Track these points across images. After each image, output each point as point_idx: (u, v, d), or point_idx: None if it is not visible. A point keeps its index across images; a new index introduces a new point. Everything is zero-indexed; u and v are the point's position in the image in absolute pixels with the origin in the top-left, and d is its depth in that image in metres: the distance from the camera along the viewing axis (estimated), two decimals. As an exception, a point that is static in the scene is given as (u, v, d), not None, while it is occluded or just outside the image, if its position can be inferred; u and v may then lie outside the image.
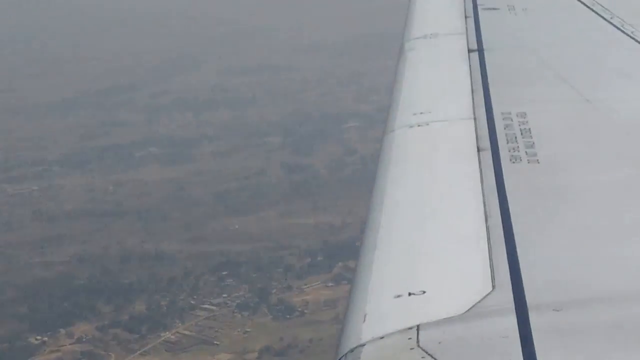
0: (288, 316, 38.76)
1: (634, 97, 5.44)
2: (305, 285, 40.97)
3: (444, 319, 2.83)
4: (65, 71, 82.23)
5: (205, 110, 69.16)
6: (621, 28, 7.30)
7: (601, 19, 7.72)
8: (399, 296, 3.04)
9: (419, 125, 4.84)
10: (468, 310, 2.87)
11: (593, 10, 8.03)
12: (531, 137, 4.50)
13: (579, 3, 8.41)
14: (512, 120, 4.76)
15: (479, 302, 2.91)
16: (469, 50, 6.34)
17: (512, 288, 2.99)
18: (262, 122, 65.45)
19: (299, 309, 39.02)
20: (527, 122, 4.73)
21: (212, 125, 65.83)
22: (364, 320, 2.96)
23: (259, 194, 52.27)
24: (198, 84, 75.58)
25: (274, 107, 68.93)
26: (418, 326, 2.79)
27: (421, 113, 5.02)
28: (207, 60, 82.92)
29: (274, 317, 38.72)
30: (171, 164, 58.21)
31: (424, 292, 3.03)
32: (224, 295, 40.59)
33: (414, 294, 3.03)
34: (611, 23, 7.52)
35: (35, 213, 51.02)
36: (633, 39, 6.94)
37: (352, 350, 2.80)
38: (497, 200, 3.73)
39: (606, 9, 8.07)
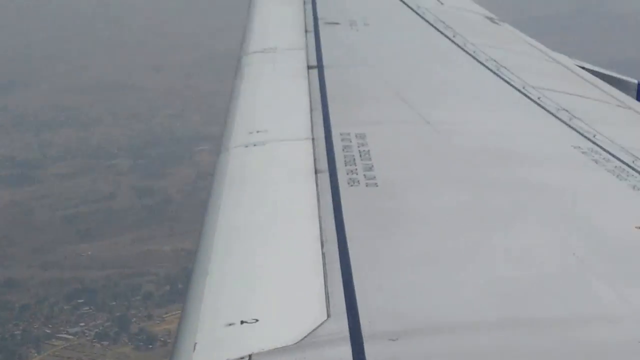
0: (150, 346, 37.96)
1: (474, 119, 5.46)
2: (166, 313, 40.01)
3: (277, 348, 2.76)
4: None
5: (46, 130, 67.18)
6: (463, 47, 7.39)
7: (443, 37, 7.80)
8: (231, 324, 2.94)
9: (255, 145, 4.72)
10: (302, 339, 2.80)
11: (436, 28, 8.13)
12: (370, 159, 4.43)
13: (422, 20, 8.49)
14: (351, 141, 4.68)
15: (313, 330, 2.84)
16: (309, 67, 6.26)
17: (348, 316, 2.92)
18: (108, 143, 64.11)
19: (161, 339, 38.07)
20: (366, 143, 4.66)
21: (54, 146, 64.14)
22: (194, 349, 2.86)
23: (111, 219, 51.21)
24: (36, 102, 73.52)
25: (120, 128, 67.79)
26: (250, 356, 2.73)
27: (257, 132, 4.90)
28: (44, 78, 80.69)
29: (136, 346, 37.90)
30: (14, 186, 56.25)
31: (257, 320, 2.94)
32: (81, 324, 39.38)
33: (246, 322, 2.94)
34: (453, 41, 7.61)
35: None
36: (475, 58, 7.02)
37: None
38: (333, 225, 3.62)
39: (449, 26, 8.16)
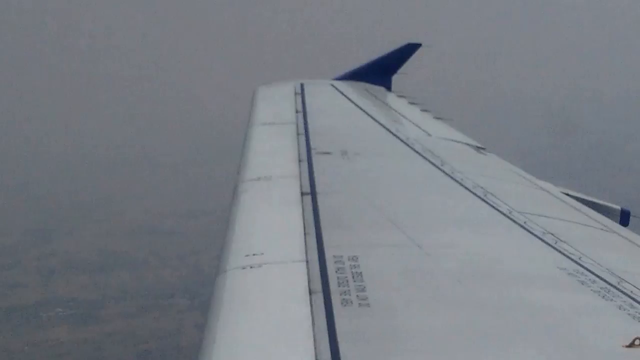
0: None
1: (463, 243, 5.56)
2: None
3: None
4: None
5: (99, 273, 67.08)
6: (451, 175, 7.54)
7: (432, 165, 7.96)
8: None
9: (251, 267, 4.80)
10: None
11: (424, 157, 8.28)
12: (362, 280, 4.51)
13: (410, 150, 8.67)
14: (343, 263, 4.77)
15: None
16: (302, 193, 6.38)
17: None
18: (162, 284, 64.40)
19: None
20: (358, 265, 4.75)
21: (111, 287, 64.05)
22: None
23: (180, 354, 51.33)
24: (82, 247, 74.00)
25: (169, 269, 68.05)
26: None
27: (253, 255, 4.98)
28: (83, 225, 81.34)
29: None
30: (82, 325, 56.32)
31: None
32: None
33: None
34: (442, 170, 7.76)
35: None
36: (462, 185, 7.16)
37: None
38: (328, 344, 3.69)
39: (437, 156, 8.34)
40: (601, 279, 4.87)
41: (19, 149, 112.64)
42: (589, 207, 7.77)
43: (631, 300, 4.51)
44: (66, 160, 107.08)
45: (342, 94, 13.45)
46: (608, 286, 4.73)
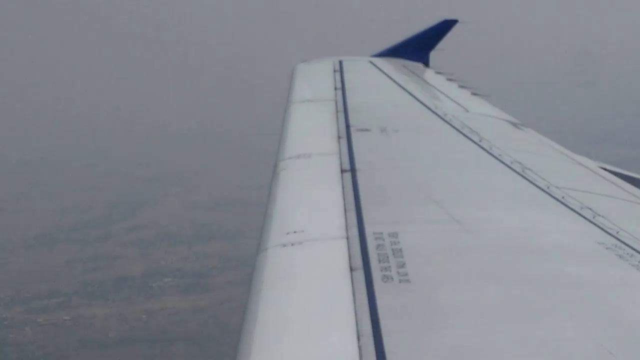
0: None
1: (501, 218, 5.59)
2: None
3: None
4: (21, 210, 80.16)
5: (196, 243, 67.58)
6: (489, 150, 7.54)
7: (470, 141, 7.96)
8: None
9: (292, 245, 4.86)
10: None
11: (462, 133, 8.29)
12: (402, 257, 4.55)
13: (448, 126, 8.67)
14: (383, 240, 4.82)
15: None
16: (342, 171, 6.42)
17: None
18: None
19: None
20: (398, 242, 4.79)
21: (212, 257, 64.59)
22: None
23: None
24: (170, 220, 74.65)
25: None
26: None
27: (294, 232, 5.04)
28: (165, 197, 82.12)
29: None
30: (193, 293, 56.93)
31: None
32: None
33: None
34: (479, 145, 7.76)
35: (82, 341, 49.51)
36: (501, 161, 7.16)
37: None
38: (369, 320, 3.75)
39: (474, 131, 8.34)
40: (639, 252, 4.88)
41: (93, 124, 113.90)
42: (627, 181, 7.75)
43: None
44: (131, 134, 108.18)
45: (381, 70, 13.45)
46: None
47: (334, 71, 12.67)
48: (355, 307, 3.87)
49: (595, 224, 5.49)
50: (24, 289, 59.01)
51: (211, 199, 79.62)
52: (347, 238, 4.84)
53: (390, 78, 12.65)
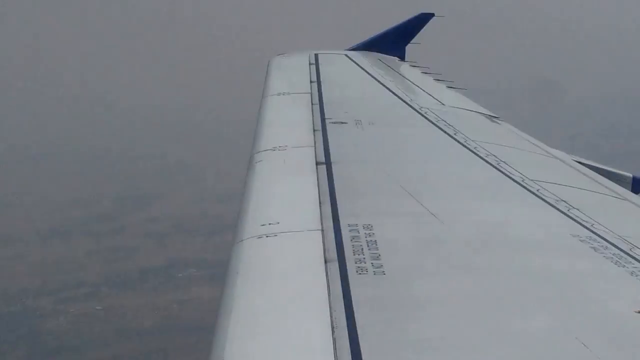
0: None
1: (476, 211, 5.60)
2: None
3: None
4: (28, 204, 79.93)
5: (212, 235, 67.54)
6: (464, 144, 7.55)
7: (445, 134, 7.97)
8: None
9: (267, 236, 4.85)
10: None
11: (437, 126, 8.30)
12: (377, 249, 4.55)
13: (424, 119, 8.69)
14: (358, 232, 4.82)
15: None
16: (317, 163, 6.42)
17: None
18: None
19: None
20: (373, 234, 4.79)
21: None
22: None
23: None
24: (183, 212, 74.32)
25: None
26: None
27: (269, 224, 5.04)
28: (173, 190, 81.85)
29: None
30: (222, 284, 56.89)
31: None
32: None
33: None
34: (455, 138, 7.77)
35: (119, 330, 49.68)
36: (476, 154, 7.18)
37: None
38: (343, 312, 3.74)
39: (450, 125, 8.35)
40: (614, 245, 4.90)
41: (92, 118, 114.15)
42: (601, 174, 7.79)
43: None
44: (133, 128, 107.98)
45: (356, 63, 13.45)
46: (620, 252, 4.77)
47: (310, 64, 12.66)
48: (329, 299, 3.87)
49: (570, 217, 5.51)
50: (50, 281, 59.11)
51: (220, 191, 79.55)
52: (322, 230, 4.84)
53: (366, 71, 12.66)
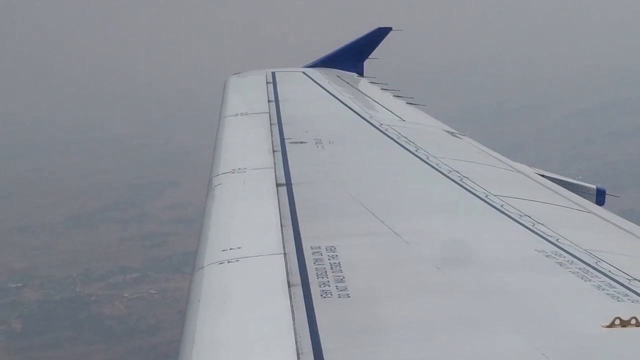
0: None
1: (440, 229, 5.56)
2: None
3: None
4: (40, 194, 79.36)
5: None
6: (427, 160, 7.53)
7: (407, 151, 7.94)
8: None
9: (228, 262, 4.78)
10: None
11: (399, 143, 8.27)
12: (341, 271, 4.49)
13: (385, 136, 8.65)
14: (321, 254, 4.76)
15: None
16: (277, 185, 6.36)
17: None
18: None
19: None
20: (336, 256, 4.73)
21: None
22: None
23: None
24: (202, 197, 73.41)
25: None
26: None
27: (230, 249, 4.96)
28: (181, 178, 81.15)
29: None
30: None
31: None
32: None
33: None
34: (416, 155, 7.74)
35: (182, 312, 48.99)
36: (438, 171, 7.15)
37: None
38: (309, 337, 3.68)
39: (411, 141, 8.33)
40: (579, 259, 4.88)
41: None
42: (565, 187, 7.80)
43: (610, 280, 4.52)
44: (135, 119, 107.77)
45: (314, 81, 13.41)
46: (586, 267, 4.75)
47: (267, 83, 12.60)
48: (294, 324, 3.80)
49: (534, 232, 5.48)
50: (92, 268, 58.48)
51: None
52: (285, 254, 4.77)
53: (324, 89, 12.61)
